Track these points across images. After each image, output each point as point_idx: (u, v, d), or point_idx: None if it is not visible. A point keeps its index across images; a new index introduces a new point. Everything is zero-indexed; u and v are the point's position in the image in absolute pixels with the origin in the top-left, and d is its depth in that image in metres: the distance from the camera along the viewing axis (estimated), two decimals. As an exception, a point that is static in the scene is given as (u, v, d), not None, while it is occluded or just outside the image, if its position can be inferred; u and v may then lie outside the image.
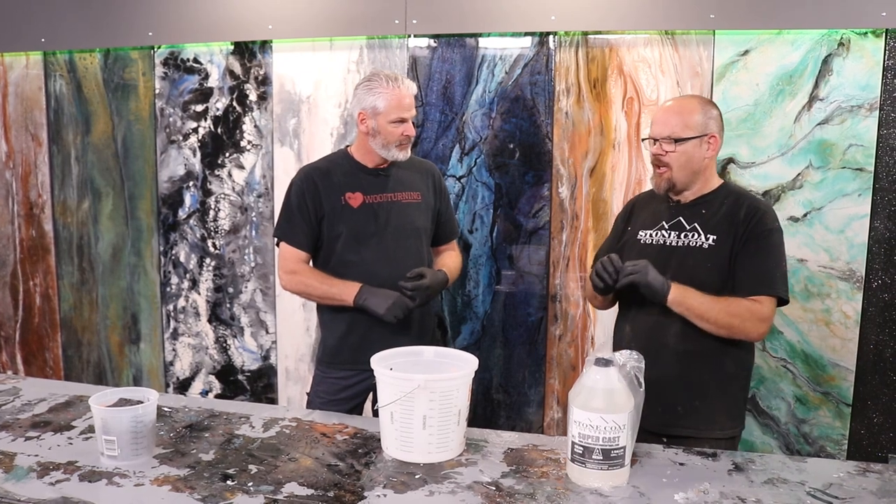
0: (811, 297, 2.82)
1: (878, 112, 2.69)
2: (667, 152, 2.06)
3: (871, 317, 2.79)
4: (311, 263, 2.50)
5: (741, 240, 2.04)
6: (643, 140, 2.19)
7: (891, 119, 2.69)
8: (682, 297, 2.00)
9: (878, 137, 2.70)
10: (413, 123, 2.42)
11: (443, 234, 2.62)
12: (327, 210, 2.45)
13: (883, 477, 1.75)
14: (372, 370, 2.57)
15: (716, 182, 2.15)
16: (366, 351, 2.39)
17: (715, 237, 2.06)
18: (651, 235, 2.15)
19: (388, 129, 2.38)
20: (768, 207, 2.14)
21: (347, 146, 2.54)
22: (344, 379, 2.50)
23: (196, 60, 3.37)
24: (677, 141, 2.05)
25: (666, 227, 2.13)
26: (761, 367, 2.89)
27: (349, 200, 2.45)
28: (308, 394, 2.60)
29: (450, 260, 2.61)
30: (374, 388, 2.54)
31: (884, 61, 2.67)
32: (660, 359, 2.02)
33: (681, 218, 2.12)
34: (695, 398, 2.09)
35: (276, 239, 2.53)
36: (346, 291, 2.39)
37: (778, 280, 2.05)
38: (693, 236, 2.09)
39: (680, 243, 2.10)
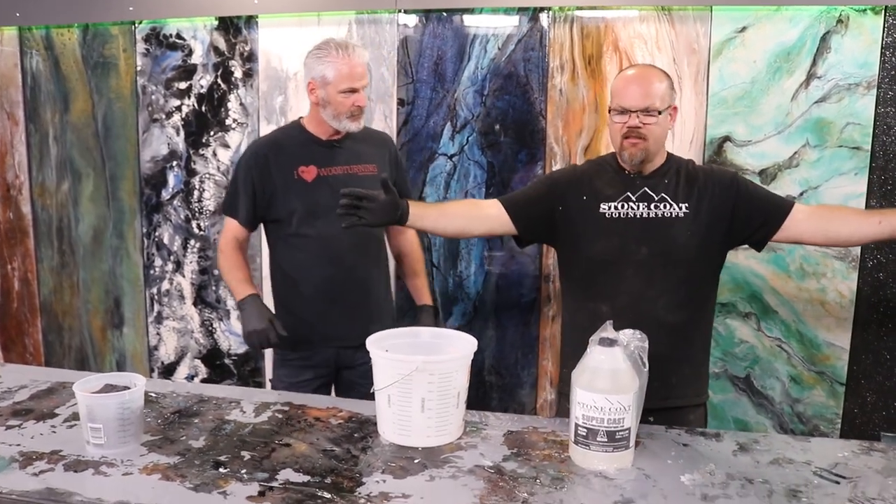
0: (806, 276, 2.80)
1: (875, 90, 2.65)
2: (645, 124, 2.01)
3: (866, 296, 2.77)
4: (248, 240, 2.54)
5: (727, 205, 2.05)
6: (610, 111, 2.11)
7: (888, 97, 2.65)
8: None
9: (875, 116, 2.67)
10: (365, 94, 2.39)
11: None
12: (279, 185, 2.41)
13: (887, 455, 1.73)
14: (334, 348, 2.56)
15: (665, 152, 2.14)
16: (324, 328, 2.39)
17: (687, 204, 2.05)
18: (616, 208, 2.08)
19: (339, 100, 2.34)
20: (712, 165, 2.43)
21: (301, 118, 2.51)
22: (304, 360, 2.47)
23: (179, 36, 3.28)
24: (660, 112, 2.01)
25: (633, 198, 2.07)
26: (756, 346, 2.88)
27: (303, 174, 2.41)
28: (270, 380, 2.56)
29: (408, 245, 2.65)
30: (338, 368, 2.54)
31: (882, 39, 2.63)
32: (650, 334, 1.98)
33: (646, 188, 2.08)
34: (685, 368, 2.10)
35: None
36: (237, 290, 2.43)
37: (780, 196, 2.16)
38: (665, 206, 2.06)
39: (652, 214, 2.06)
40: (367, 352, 2.49)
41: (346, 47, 2.35)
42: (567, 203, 2.13)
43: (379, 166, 2.49)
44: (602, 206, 2.09)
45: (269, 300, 2.54)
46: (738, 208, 2.05)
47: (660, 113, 2.01)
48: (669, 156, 2.14)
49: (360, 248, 2.46)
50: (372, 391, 1.79)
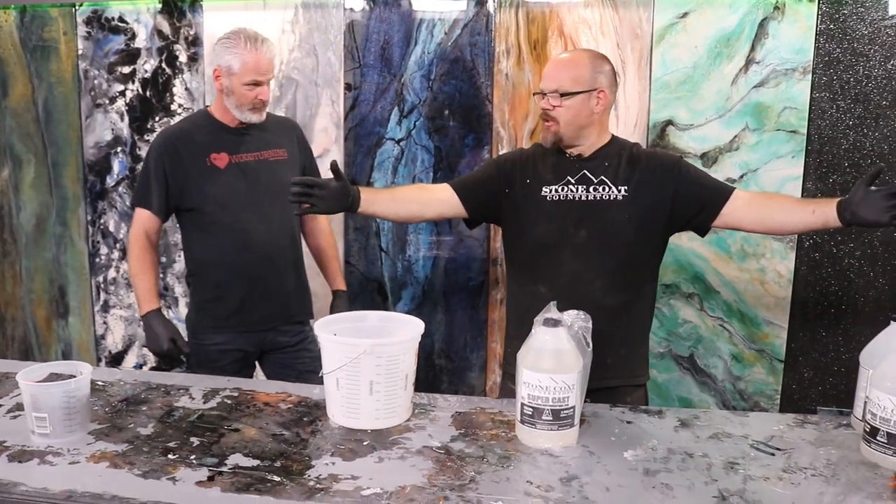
0: (747, 257, 2.88)
1: (810, 75, 2.74)
2: (554, 107, 2.04)
3: (803, 275, 2.87)
4: (159, 233, 2.54)
5: (668, 189, 2.07)
6: (534, 94, 2.15)
7: (822, 82, 2.74)
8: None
9: (810, 100, 2.75)
10: (276, 86, 2.49)
11: None
12: (192, 174, 2.41)
13: (819, 427, 1.80)
14: (252, 332, 2.57)
15: (608, 135, 2.16)
16: (241, 314, 2.37)
17: (626, 188, 2.07)
18: (557, 191, 2.10)
19: (242, 91, 2.36)
20: (655, 149, 2.49)
21: (207, 106, 2.53)
22: (221, 344, 2.49)
23: (121, 19, 3.21)
24: (563, 95, 2.03)
25: (572, 181, 2.10)
26: (699, 326, 2.95)
27: (215, 161, 2.43)
28: (186, 369, 2.56)
29: (326, 239, 2.70)
30: (262, 353, 2.58)
31: (816, 25, 2.71)
32: (589, 315, 2.03)
33: (585, 171, 2.10)
34: (622, 349, 2.13)
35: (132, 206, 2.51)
36: (141, 301, 2.45)
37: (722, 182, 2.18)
38: (603, 189, 2.08)
39: (591, 197, 2.08)
40: (287, 334, 2.55)
41: (255, 39, 2.36)
42: (513, 186, 2.16)
43: (288, 151, 2.53)
44: (544, 189, 2.12)
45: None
46: (679, 192, 2.08)
47: (565, 95, 2.02)
48: (613, 138, 2.16)
49: (276, 232, 2.48)
50: (321, 374, 1.80)
